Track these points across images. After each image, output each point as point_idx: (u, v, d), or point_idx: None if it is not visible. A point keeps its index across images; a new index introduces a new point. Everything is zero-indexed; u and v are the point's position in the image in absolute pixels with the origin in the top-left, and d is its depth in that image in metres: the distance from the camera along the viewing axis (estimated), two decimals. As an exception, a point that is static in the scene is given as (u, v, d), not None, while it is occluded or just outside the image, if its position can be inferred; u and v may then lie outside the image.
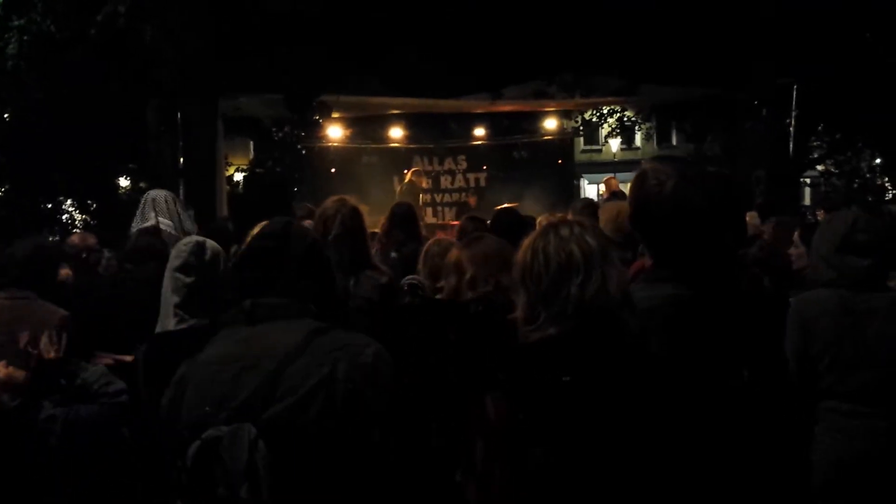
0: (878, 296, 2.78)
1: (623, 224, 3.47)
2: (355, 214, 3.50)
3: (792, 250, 3.91)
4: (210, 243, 2.99)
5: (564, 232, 1.95)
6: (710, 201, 1.93)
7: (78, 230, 12.93)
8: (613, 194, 11.06)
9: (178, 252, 3.02)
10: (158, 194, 3.91)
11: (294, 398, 1.63)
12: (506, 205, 12.21)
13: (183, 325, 2.82)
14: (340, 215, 3.47)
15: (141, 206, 4.50)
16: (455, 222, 12.98)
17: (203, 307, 2.80)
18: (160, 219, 3.72)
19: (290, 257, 1.85)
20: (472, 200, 13.92)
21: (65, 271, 4.63)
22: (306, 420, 1.63)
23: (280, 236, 1.89)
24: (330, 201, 3.59)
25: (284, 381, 1.65)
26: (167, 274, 2.98)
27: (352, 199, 3.59)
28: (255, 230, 2.05)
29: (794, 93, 10.90)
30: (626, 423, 1.79)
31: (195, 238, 3.08)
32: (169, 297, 2.94)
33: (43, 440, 2.80)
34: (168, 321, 2.90)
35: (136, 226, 4.45)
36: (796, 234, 3.94)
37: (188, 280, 2.91)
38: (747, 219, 7.29)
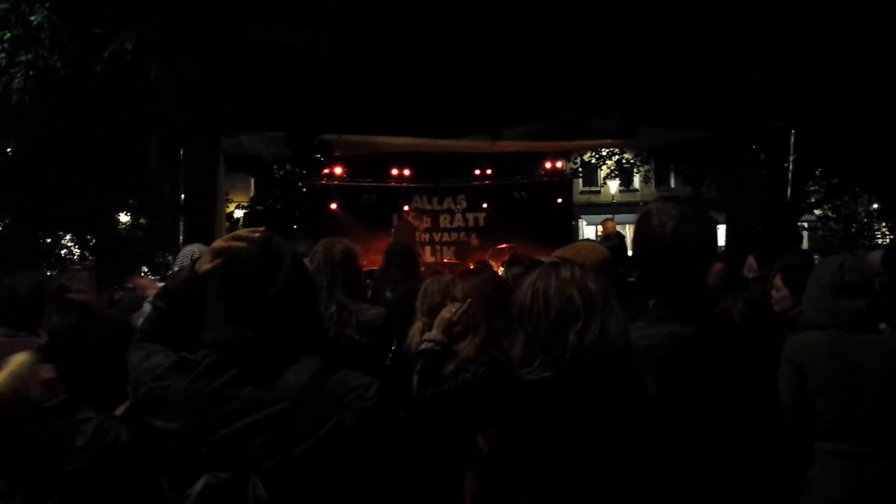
0: (870, 337, 2.82)
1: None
2: (347, 250, 3.50)
3: (774, 293, 3.92)
4: None
5: (565, 274, 1.89)
6: (708, 240, 1.96)
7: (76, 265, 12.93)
8: (607, 237, 11.09)
9: None
10: (188, 248, 4.31)
11: (303, 447, 1.58)
12: (503, 245, 12.32)
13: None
14: (332, 251, 3.48)
15: None
16: (454, 261, 13.00)
17: None
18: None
19: (274, 284, 1.68)
20: (474, 241, 13.97)
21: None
22: (314, 469, 1.58)
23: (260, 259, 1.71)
24: (322, 242, 3.59)
25: (293, 428, 1.59)
26: None
27: (344, 240, 3.60)
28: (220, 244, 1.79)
29: (792, 137, 10.98)
30: (619, 465, 1.77)
31: None
32: None
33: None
34: None
35: None
36: (777, 277, 3.94)
37: None
38: (748, 262, 7.26)
